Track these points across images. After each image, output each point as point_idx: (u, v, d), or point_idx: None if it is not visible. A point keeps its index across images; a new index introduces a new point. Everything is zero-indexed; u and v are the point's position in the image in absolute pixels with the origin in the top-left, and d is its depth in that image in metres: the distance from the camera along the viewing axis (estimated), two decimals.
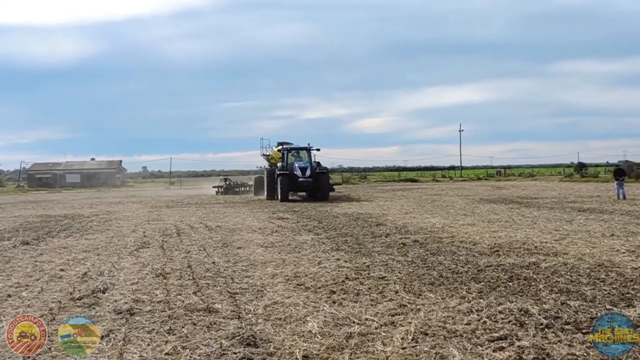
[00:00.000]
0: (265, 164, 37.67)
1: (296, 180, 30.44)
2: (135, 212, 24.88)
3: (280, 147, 33.97)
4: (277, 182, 30.54)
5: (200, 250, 11.87)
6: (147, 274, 9.20)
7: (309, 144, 33.12)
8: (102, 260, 10.79)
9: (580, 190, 35.68)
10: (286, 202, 29.35)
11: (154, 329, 5.99)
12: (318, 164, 32.21)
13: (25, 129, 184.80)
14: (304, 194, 32.69)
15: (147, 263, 10.27)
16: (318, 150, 33.19)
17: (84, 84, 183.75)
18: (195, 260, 10.53)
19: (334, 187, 36.10)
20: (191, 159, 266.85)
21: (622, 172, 26.97)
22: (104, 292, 7.80)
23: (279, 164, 32.45)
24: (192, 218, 20.38)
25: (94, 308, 6.96)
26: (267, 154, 36.74)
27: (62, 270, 9.67)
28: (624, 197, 25.03)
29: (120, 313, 6.66)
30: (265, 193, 32.99)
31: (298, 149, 33.33)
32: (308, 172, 30.56)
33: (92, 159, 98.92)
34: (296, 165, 30.93)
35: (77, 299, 7.41)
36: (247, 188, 42.56)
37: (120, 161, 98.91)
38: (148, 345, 5.48)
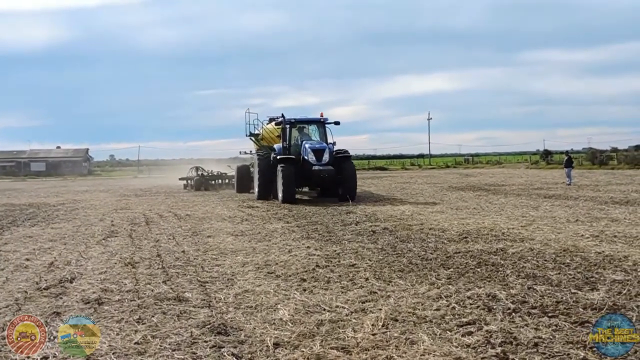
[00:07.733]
0: (252, 147, 27.54)
1: (309, 169, 19.97)
2: (102, 201, 24.47)
3: (280, 119, 22.80)
4: (279, 173, 20.14)
5: (169, 239, 11.75)
6: (116, 263, 9.08)
7: (322, 115, 22.40)
8: (69, 249, 10.60)
9: (546, 177, 36.37)
10: (292, 204, 19.31)
11: (123, 319, 5.91)
12: (334, 145, 21.53)
13: None
14: (307, 188, 23.35)
15: (116, 252, 10.13)
16: (337, 124, 22.17)
17: (50, 70, 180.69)
18: (164, 249, 10.43)
19: None
20: (160, 147, 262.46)
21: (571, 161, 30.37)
22: (71, 282, 7.67)
23: (275, 146, 22.31)
24: (161, 207, 20.16)
25: (61, 298, 6.84)
26: (256, 132, 26.35)
27: (27, 259, 9.47)
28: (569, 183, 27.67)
29: (89, 303, 6.56)
30: (256, 189, 22.65)
31: (307, 122, 22.76)
32: (326, 157, 20.18)
33: (58, 147, 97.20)
34: (307, 146, 20.48)
35: (44, 288, 7.27)
36: (227, 180, 33.31)
37: (87, 149, 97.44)
38: (117, 334, 5.41)
